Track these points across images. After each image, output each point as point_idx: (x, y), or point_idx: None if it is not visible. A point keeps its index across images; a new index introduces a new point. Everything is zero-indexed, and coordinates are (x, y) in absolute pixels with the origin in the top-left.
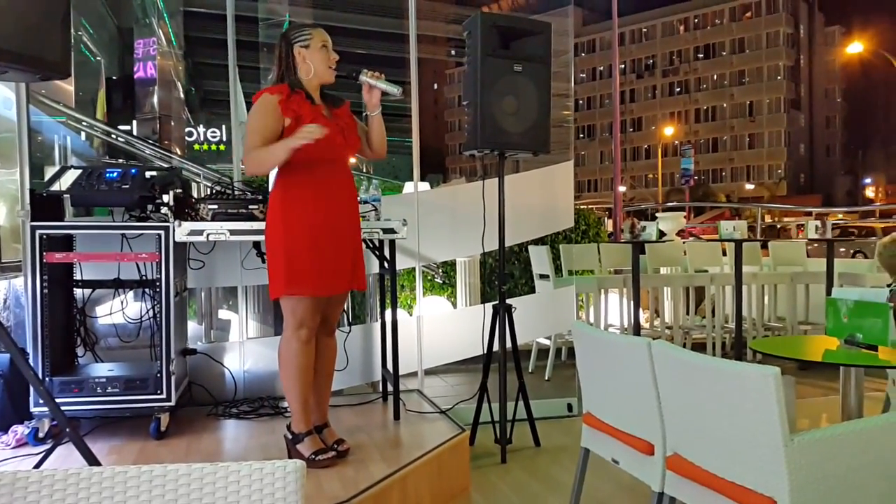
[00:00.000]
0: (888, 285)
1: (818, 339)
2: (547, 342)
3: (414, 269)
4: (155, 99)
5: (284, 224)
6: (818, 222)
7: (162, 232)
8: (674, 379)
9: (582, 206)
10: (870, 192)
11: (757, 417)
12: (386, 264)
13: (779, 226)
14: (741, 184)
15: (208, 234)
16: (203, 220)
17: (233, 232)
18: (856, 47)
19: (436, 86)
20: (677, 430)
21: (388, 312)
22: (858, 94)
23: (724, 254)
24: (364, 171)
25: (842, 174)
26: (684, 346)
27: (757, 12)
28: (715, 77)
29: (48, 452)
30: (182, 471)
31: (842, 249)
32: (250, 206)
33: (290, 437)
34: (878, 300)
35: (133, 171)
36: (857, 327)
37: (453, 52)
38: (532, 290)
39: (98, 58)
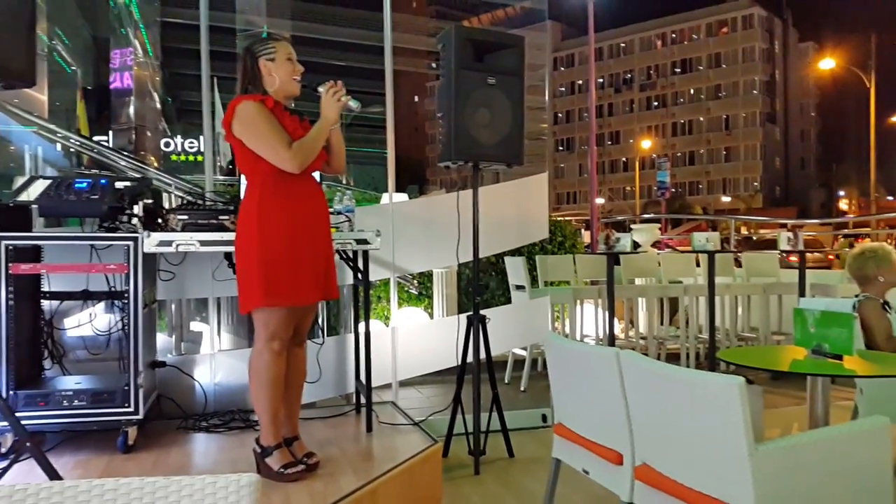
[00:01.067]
0: (856, 296)
1: (787, 349)
2: (523, 353)
3: (389, 280)
4: (131, 109)
5: (261, 234)
6: (790, 234)
7: (131, 243)
8: (642, 389)
9: (559, 218)
10: (843, 205)
11: (722, 427)
12: (360, 275)
13: (755, 237)
14: (717, 196)
15: (178, 245)
16: (173, 230)
17: (203, 243)
18: (828, 63)
19: (416, 98)
20: (646, 439)
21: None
22: (832, 108)
23: (698, 265)
24: (344, 182)
25: (816, 187)
26: (658, 356)
27: (733, 28)
28: (692, 91)
29: (6, 468)
30: (134, 485)
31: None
32: (221, 217)
33: (259, 450)
34: (843, 310)
35: (103, 181)
36: (823, 337)
37: (433, 65)
38: (509, 301)
39: (73, 67)
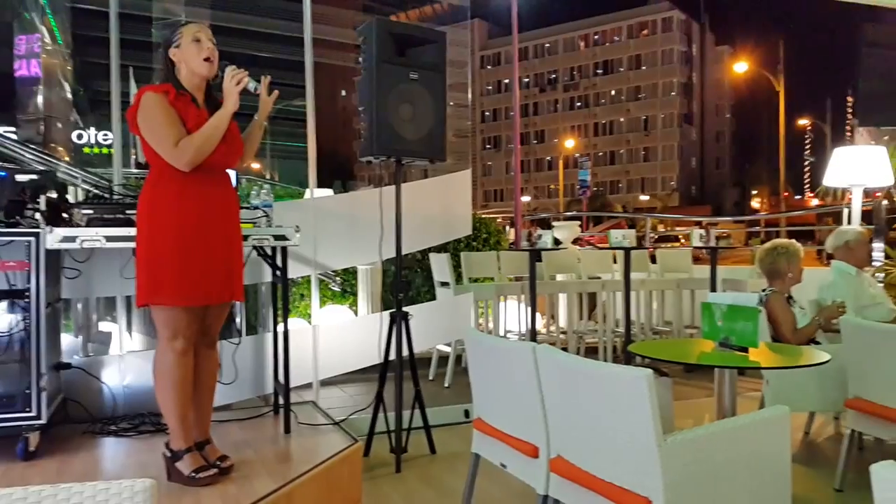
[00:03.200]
0: (763, 290)
1: (697, 342)
2: (447, 349)
3: (311, 277)
4: (39, 99)
5: (150, 228)
6: (702, 231)
7: (32, 239)
8: (557, 382)
9: (484, 215)
10: (755, 203)
11: (631, 418)
12: (278, 272)
13: (671, 234)
14: (636, 195)
15: (82, 241)
16: (78, 226)
17: (109, 238)
18: (741, 67)
19: (343, 92)
20: (561, 432)
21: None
22: (745, 110)
23: (615, 261)
24: (268, 176)
25: (730, 186)
26: (578, 350)
27: (653, 30)
28: (613, 92)
29: None
30: (17, 495)
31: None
32: (128, 212)
33: (168, 454)
34: (749, 304)
35: (2, 174)
36: (730, 330)
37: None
38: (434, 298)
39: None
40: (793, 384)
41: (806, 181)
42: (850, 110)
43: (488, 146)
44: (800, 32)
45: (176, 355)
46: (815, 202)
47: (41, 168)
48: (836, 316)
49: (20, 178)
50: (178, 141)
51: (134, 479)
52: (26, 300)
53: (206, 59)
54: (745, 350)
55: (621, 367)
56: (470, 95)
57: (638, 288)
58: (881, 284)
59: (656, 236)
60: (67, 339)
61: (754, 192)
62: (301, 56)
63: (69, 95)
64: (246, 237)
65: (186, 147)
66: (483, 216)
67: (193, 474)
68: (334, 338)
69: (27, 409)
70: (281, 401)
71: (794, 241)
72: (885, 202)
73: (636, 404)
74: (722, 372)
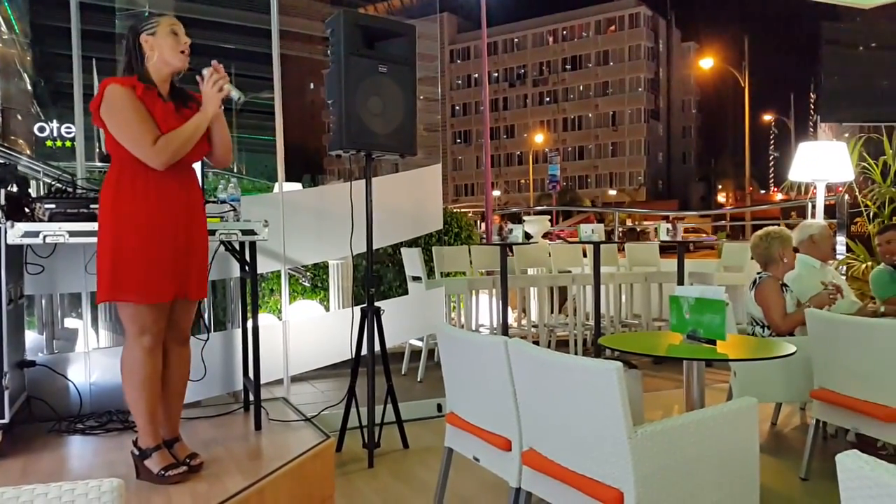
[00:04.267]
0: (758, 273)
1: (666, 334)
2: (419, 343)
3: (281, 272)
4: None
5: (114, 223)
6: (669, 225)
7: None
8: (528, 375)
9: (455, 210)
10: (721, 198)
11: (602, 411)
12: (246, 267)
13: (639, 229)
14: (605, 189)
15: (45, 236)
16: (40, 220)
17: (72, 233)
18: (707, 63)
19: (312, 85)
20: (533, 425)
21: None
22: (711, 105)
23: (585, 255)
24: (235, 170)
25: (696, 181)
26: (549, 343)
27: (620, 26)
28: (581, 87)
29: None
30: None
31: None
32: (92, 206)
33: (137, 452)
34: (716, 297)
35: None
36: (697, 323)
37: (329, 52)
38: (406, 293)
39: None
40: (760, 375)
41: (771, 176)
42: (812, 106)
43: (458, 140)
44: (763, 29)
45: (143, 352)
46: (779, 196)
47: (1, 161)
48: (826, 303)
49: None
50: (156, 140)
51: (101, 478)
52: None
53: (181, 52)
54: (713, 342)
55: (592, 360)
56: (440, 89)
57: (607, 281)
58: (843, 277)
59: (624, 230)
60: (31, 337)
61: (720, 186)
62: (268, 48)
63: (29, 87)
64: (213, 232)
65: (163, 148)
66: (454, 210)
67: (162, 472)
68: (305, 333)
69: None
70: (251, 397)
71: (784, 227)
72: (846, 197)
73: (607, 397)
74: (690, 364)
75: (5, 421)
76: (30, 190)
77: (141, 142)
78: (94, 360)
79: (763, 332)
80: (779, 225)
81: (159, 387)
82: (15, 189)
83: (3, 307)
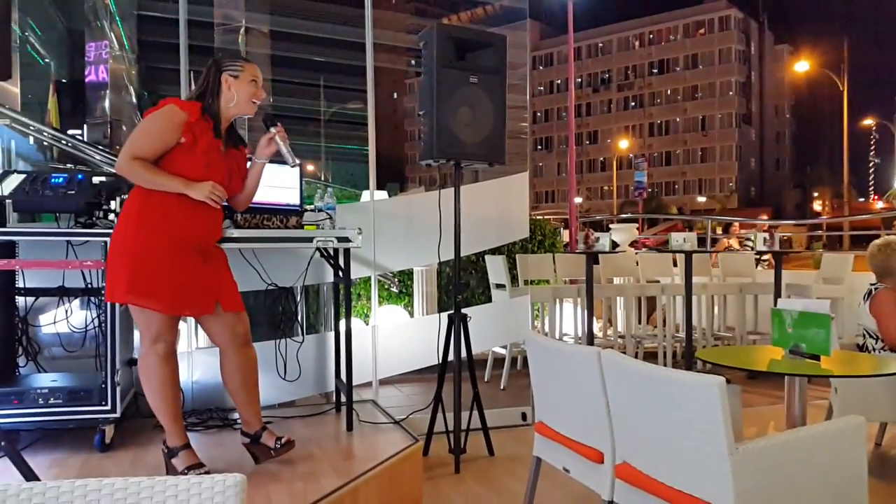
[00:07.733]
0: (872, 284)
1: (764, 348)
2: (503, 351)
3: (370, 278)
4: (106, 103)
5: (139, 227)
6: (766, 234)
7: (108, 239)
8: (623, 388)
9: (538, 217)
10: (817, 206)
11: (702, 426)
12: (340, 273)
13: (728, 240)
14: (693, 196)
15: None
16: None
17: None
18: (802, 66)
19: (395, 95)
20: (626, 438)
21: (343, 322)
22: (806, 110)
23: (675, 264)
24: (322, 178)
25: (790, 188)
26: (636, 355)
27: (710, 29)
28: (669, 92)
29: None
30: (118, 485)
31: None
32: None
33: (165, 451)
34: (820, 311)
35: (80, 176)
36: (801, 337)
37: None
38: (489, 300)
39: (47, 60)
40: (864, 393)
41: (871, 183)
42: None
43: (540, 147)
44: (864, 29)
45: (158, 359)
46: (880, 205)
47: (113, 170)
48: None
49: (96, 180)
50: (139, 157)
51: (226, 474)
52: (101, 298)
53: (254, 102)
54: (817, 358)
55: (693, 374)
56: (528, 97)
57: (699, 292)
58: None
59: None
60: (139, 336)
61: (816, 194)
62: (357, 60)
63: (134, 99)
64: (310, 239)
65: (135, 170)
66: (537, 217)
67: (186, 471)
68: (393, 338)
69: (103, 403)
70: (343, 399)
71: None
72: None
73: (708, 412)
74: (792, 380)
75: (116, 415)
76: None
77: (132, 147)
78: (196, 359)
79: (876, 343)
80: (879, 235)
81: (179, 389)
82: (127, 197)
83: (116, 308)
